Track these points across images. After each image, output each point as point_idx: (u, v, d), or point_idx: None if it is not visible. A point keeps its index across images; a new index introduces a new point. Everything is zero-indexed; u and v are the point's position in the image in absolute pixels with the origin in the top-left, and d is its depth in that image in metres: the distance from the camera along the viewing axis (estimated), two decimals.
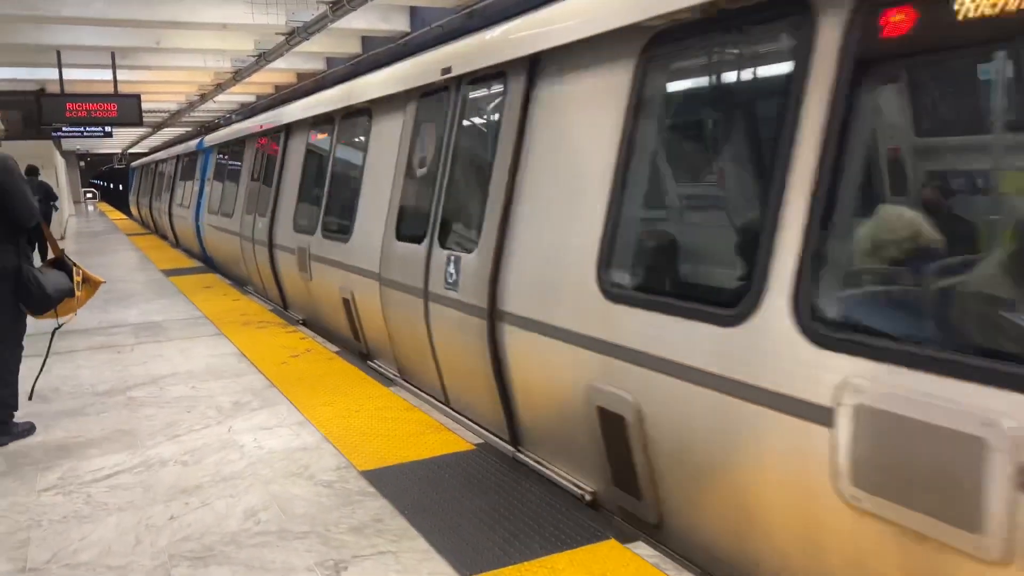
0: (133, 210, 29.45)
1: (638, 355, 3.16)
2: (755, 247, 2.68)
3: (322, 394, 5.14)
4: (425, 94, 5.36)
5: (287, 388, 5.30)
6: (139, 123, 15.47)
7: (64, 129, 18.84)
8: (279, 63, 15.64)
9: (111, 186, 50.97)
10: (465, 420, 4.62)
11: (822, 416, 2.37)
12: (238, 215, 10.58)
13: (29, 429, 4.51)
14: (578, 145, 3.74)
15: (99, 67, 15.49)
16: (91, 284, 4.93)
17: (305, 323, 7.94)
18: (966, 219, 2.48)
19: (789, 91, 2.62)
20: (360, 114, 6.64)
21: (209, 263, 13.44)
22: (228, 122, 24.51)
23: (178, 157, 18.08)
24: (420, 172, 5.36)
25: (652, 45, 3.27)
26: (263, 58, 14.78)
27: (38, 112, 14.86)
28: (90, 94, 15.58)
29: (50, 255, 4.85)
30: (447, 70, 4.91)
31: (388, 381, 5.46)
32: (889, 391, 2.20)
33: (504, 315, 4.10)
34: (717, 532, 2.93)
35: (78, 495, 3.58)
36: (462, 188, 4.82)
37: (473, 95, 4.75)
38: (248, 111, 23.95)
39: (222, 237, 11.75)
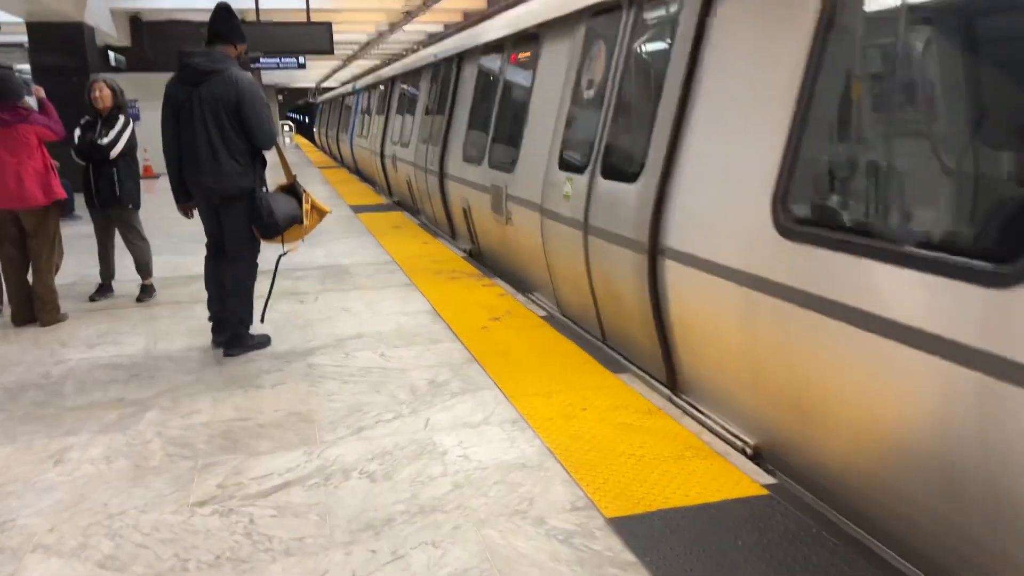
0: (317, 139, 34.89)
1: (468, 182, 7.60)
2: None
3: (535, 377, 4.07)
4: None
5: (491, 365, 4.28)
6: (330, 51, 15.00)
7: (261, 60, 19.00)
8: None
9: (304, 119, 53.50)
10: (732, 438, 3.38)
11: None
12: (371, 136, 15.16)
13: (265, 341, 4.73)
14: (468, 99, 8.21)
15: None
16: (317, 212, 4.82)
17: (400, 203, 12.37)
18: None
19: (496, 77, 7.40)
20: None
21: (358, 173, 18.26)
22: (415, 51, 24.01)
23: (343, 96, 22.86)
24: (431, 110, 10.17)
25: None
26: None
27: None
28: (284, 22, 15.32)
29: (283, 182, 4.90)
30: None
31: (617, 366, 4.29)
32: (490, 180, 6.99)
33: (446, 174, 8.53)
34: (495, 254, 7.27)
35: (238, 518, 2.70)
36: (434, 119, 9.52)
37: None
38: (436, 41, 23.29)
39: (363, 152, 16.60)
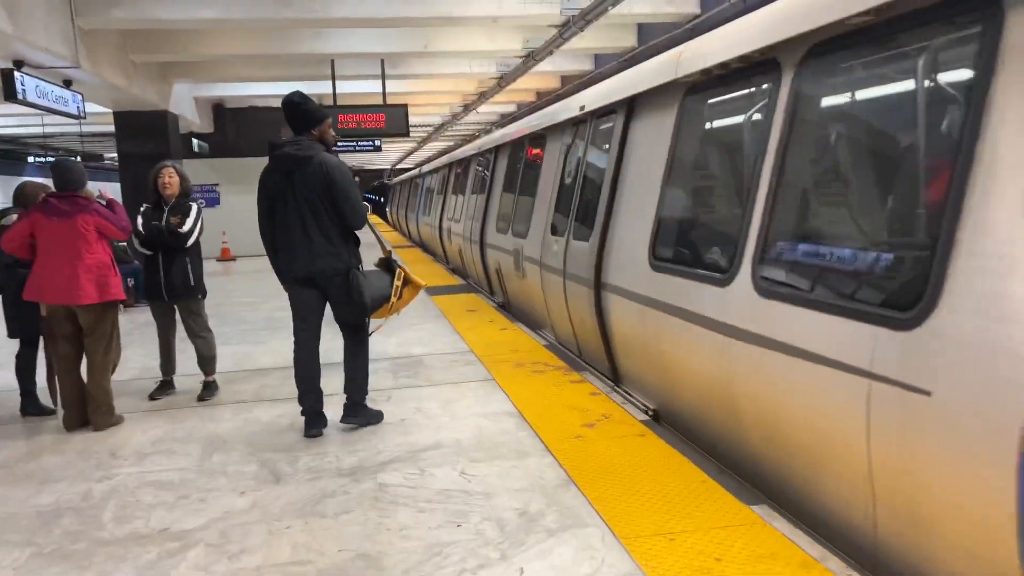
0: (389, 217, 38.70)
1: (499, 248, 9.39)
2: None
3: (648, 507, 3.35)
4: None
5: (592, 489, 3.59)
6: (406, 134, 15.01)
7: (338, 143, 19.23)
8: (544, 65, 14.44)
9: (379, 199, 54.99)
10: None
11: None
12: (432, 213, 17.23)
13: (379, 416, 4.83)
14: (500, 183, 10.29)
15: (368, 78, 15.29)
16: (413, 287, 4.83)
17: (455, 270, 13.92)
18: None
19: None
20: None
21: (421, 246, 20.65)
22: (488, 132, 24.19)
23: (411, 179, 26.03)
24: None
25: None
26: (531, 57, 13.60)
27: None
28: (360, 105, 15.42)
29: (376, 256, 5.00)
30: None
31: (749, 495, 3.53)
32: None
33: (485, 243, 10.41)
34: (518, 303, 9.00)
35: None
36: (477, 198, 11.50)
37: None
38: (507, 121, 23.34)
39: (426, 228, 18.62)
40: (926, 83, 2.89)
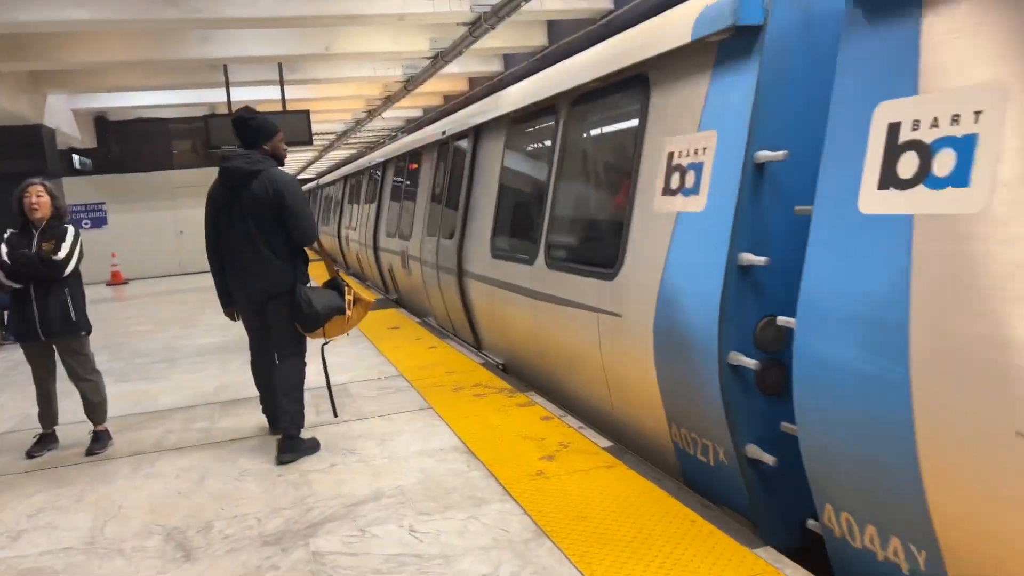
0: None
1: (390, 251, 10.78)
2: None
3: (638, 562, 2.87)
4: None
5: (568, 541, 3.07)
6: (309, 142, 14.14)
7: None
8: (452, 67, 13.90)
9: None
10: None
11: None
12: (332, 224, 18.30)
13: (315, 445, 4.52)
14: (389, 192, 11.89)
15: (266, 84, 14.37)
16: (362, 304, 4.75)
17: (356, 275, 15.23)
18: None
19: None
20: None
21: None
22: (394, 138, 23.52)
23: (310, 191, 28.10)
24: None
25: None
26: (439, 58, 13.02)
27: (206, 136, 13.82)
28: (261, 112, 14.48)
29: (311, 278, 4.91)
30: None
31: (745, 537, 3.09)
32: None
33: (378, 247, 11.90)
34: (408, 298, 10.28)
35: None
36: (370, 207, 13.03)
37: None
38: (413, 127, 22.67)
39: (325, 236, 19.14)
40: (622, 125, 4.49)
